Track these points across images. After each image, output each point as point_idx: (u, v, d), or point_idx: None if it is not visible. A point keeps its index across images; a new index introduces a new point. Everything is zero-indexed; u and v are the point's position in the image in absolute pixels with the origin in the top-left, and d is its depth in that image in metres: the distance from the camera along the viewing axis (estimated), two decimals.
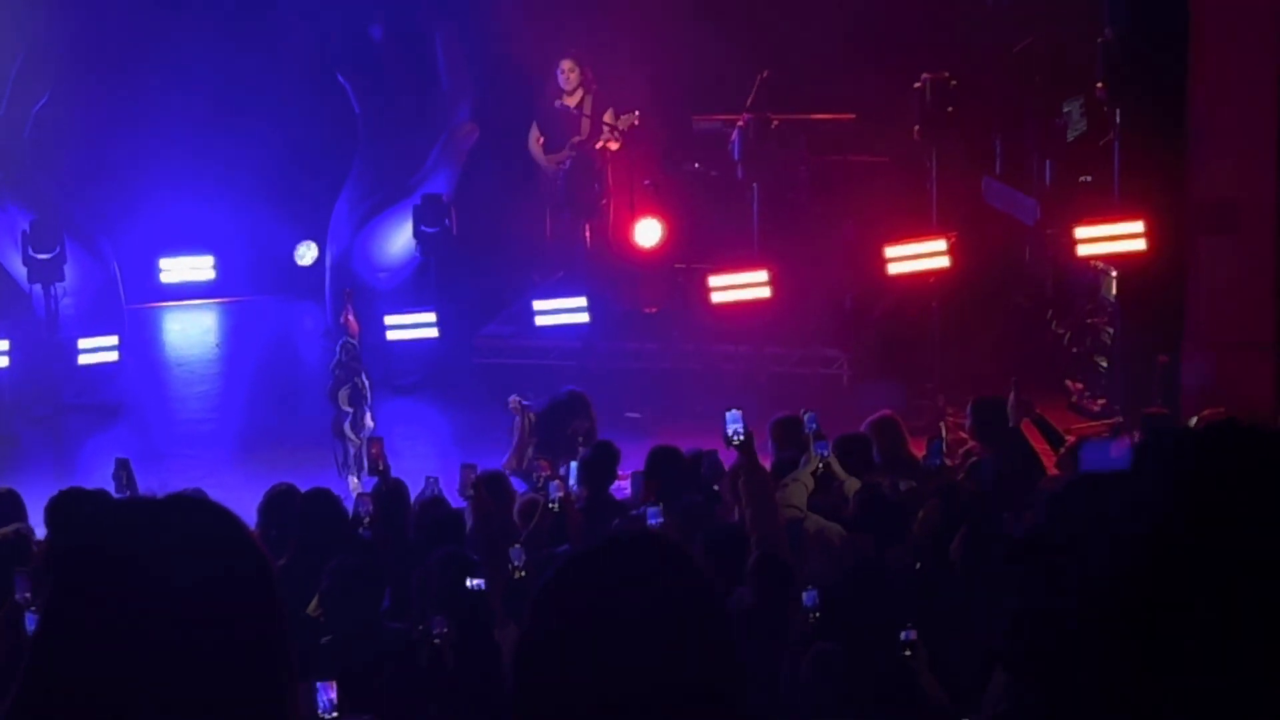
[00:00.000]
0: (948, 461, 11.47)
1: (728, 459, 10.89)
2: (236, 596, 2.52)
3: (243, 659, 2.49)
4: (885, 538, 9.58)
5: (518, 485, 12.41)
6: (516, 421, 13.91)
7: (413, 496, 11.45)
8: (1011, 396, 11.50)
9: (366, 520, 10.76)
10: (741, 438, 9.98)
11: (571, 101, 18.61)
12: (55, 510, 10.49)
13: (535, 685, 2.54)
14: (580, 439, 13.25)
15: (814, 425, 10.92)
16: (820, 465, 10.64)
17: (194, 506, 2.62)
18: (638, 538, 2.67)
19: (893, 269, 16.22)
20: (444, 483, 11.55)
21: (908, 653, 8.12)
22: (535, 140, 18.75)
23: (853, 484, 10.57)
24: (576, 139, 18.52)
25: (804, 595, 8.65)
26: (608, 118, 18.37)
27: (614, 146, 18.33)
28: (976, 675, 7.58)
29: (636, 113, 18.23)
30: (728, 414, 10.12)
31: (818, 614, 8.60)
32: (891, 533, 9.66)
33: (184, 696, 2.46)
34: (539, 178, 18.81)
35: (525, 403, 13.98)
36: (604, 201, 18.36)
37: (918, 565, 9.36)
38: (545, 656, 2.54)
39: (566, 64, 18.49)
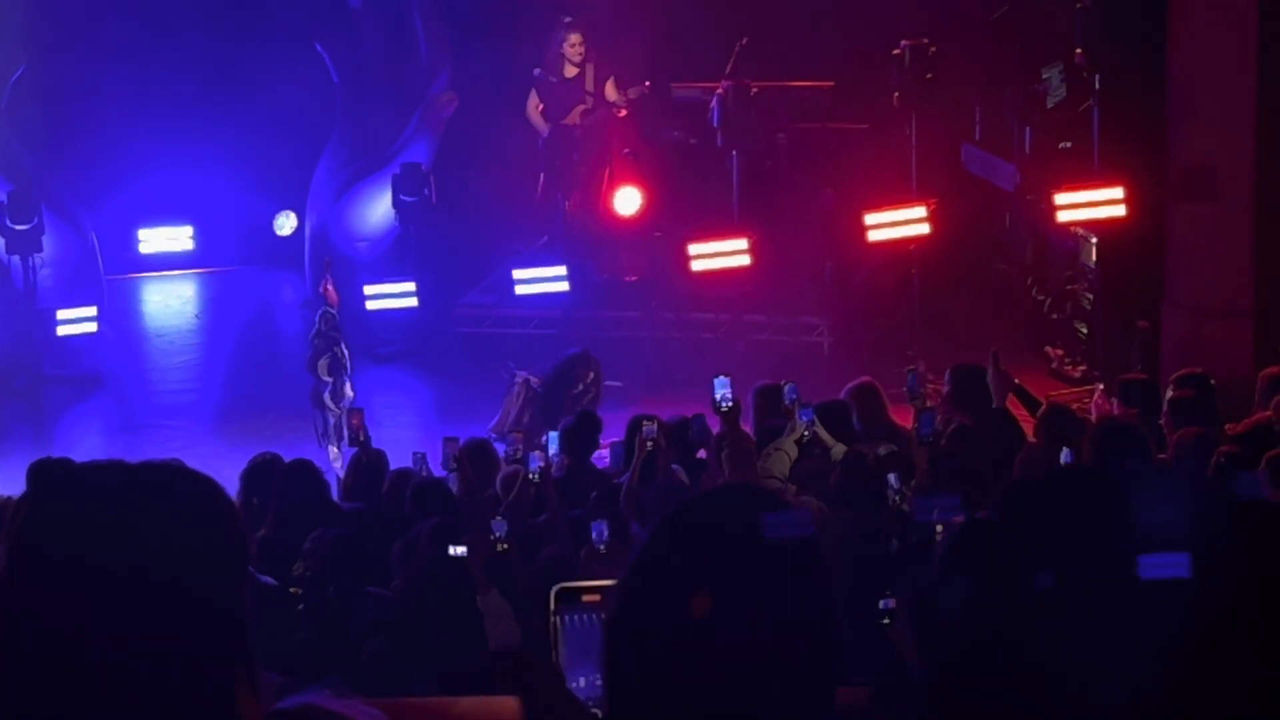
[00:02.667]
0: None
1: (715, 424, 10.87)
2: (204, 568, 2.49)
3: (202, 632, 2.46)
4: (868, 509, 9.55)
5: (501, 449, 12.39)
6: (515, 391, 13.87)
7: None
8: (991, 370, 11.48)
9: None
10: (730, 404, 9.96)
11: (571, 74, 18.53)
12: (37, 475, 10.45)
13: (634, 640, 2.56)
14: (582, 389, 13.40)
15: (794, 395, 10.90)
16: (805, 433, 10.61)
17: (165, 471, 2.57)
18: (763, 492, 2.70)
19: (873, 236, 16.22)
20: (431, 458, 11.56)
21: (886, 621, 8.10)
22: (534, 107, 18.66)
23: (840, 450, 10.54)
24: (583, 109, 18.45)
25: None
26: (609, 88, 18.34)
27: (623, 114, 18.29)
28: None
29: (647, 83, 18.19)
30: (715, 380, 10.10)
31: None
32: (875, 503, 9.61)
33: (137, 666, 2.43)
34: (535, 143, 18.69)
35: (530, 377, 13.99)
36: (583, 170, 18.33)
37: (900, 536, 9.33)
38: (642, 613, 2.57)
39: (575, 37, 18.40)
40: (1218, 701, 2.15)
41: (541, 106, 18.63)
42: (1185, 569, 2.11)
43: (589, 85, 18.46)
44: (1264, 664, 2.13)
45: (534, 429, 13.49)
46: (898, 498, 9.54)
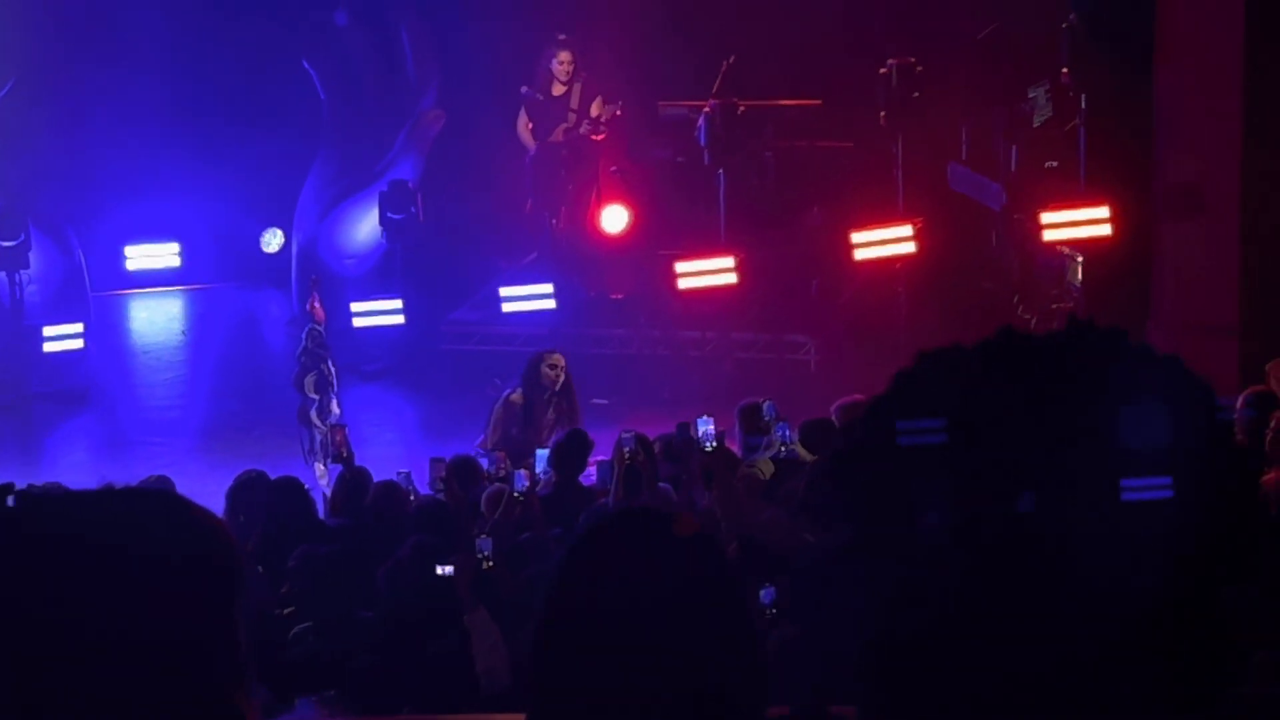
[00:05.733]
0: None
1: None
2: (188, 593, 2.40)
3: (190, 659, 2.39)
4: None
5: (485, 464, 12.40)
6: (500, 406, 13.97)
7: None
8: None
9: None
10: (713, 444, 9.97)
11: (559, 92, 18.53)
12: None
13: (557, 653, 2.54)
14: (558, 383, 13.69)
15: (772, 413, 10.91)
16: (781, 449, 10.61)
17: (145, 496, 2.49)
18: (657, 513, 2.68)
19: (859, 254, 16.25)
20: (417, 476, 11.55)
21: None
22: (524, 126, 18.66)
23: None
24: (565, 127, 18.45)
25: (760, 593, 8.62)
26: (594, 107, 18.35)
27: (597, 138, 18.30)
28: None
29: (620, 103, 18.22)
30: (699, 420, 10.12)
31: (774, 610, 8.56)
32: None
33: (123, 695, 2.35)
34: (523, 161, 18.68)
35: (512, 390, 14.14)
36: (570, 189, 18.34)
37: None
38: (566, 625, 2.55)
39: (564, 55, 18.38)
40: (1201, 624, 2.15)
41: (531, 125, 18.64)
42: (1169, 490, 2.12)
43: (574, 103, 18.47)
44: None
45: (524, 440, 13.54)
46: None
